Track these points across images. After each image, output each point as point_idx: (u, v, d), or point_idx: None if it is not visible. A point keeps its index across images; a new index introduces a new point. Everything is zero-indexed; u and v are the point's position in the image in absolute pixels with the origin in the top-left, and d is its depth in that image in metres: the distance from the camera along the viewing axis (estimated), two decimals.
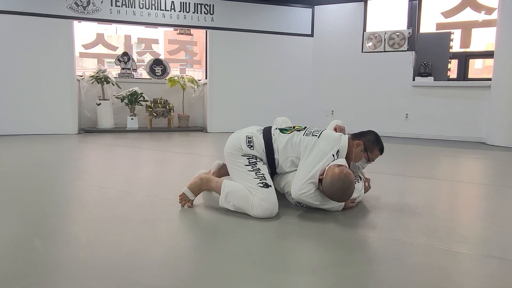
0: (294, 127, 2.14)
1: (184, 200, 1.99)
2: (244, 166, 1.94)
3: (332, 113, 6.53)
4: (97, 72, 5.87)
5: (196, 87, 6.54)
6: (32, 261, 1.34)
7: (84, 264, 1.32)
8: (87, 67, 8.00)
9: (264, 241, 1.58)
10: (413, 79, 5.87)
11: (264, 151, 2.00)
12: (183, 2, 5.95)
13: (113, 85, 5.98)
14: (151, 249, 1.46)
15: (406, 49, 5.87)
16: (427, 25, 6.00)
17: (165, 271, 1.28)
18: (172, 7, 5.91)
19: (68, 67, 5.47)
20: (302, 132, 2.04)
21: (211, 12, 6.09)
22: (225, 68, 6.23)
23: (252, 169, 1.92)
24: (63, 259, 1.36)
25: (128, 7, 5.69)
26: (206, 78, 6.54)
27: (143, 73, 7.25)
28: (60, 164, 3.34)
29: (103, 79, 5.83)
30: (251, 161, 1.95)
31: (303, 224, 1.79)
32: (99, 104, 5.88)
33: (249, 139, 1.99)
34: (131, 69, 6.49)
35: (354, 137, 2.09)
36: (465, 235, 1.68)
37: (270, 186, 1.88)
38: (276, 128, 2.10)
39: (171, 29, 6.88)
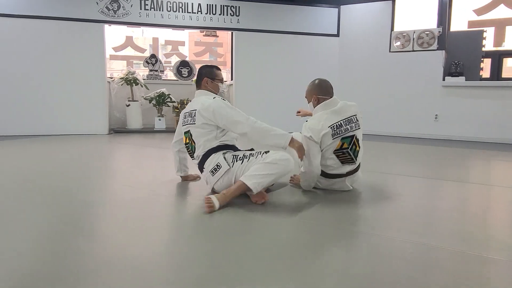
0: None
1: (211, 207, 1.97)
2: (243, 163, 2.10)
3: None
4: (126, 74, 6.02)
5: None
6: (76, 259, 1.39)
7: (123, 263, 1.37)
8: (114, 69, 8.22)
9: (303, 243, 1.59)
10: (443, 79, 5.71)
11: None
12: (210, 4, 6.02)
13: (142, 86, 6.13)
14: (185, 249, 1.49)
15: (436, 48, 5.73)
16: (458, 23, 5.83)
17: (201, 270, 1.30)
18: (199, 9, 5.99)
19: (99, 70, 5.65)
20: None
21: (237, 14, 6.13)
22: (251, 69, 6.26)
23: (248, 157, 2.11)
24: (104, 258, 1.41)
25: (156, 10, 5.81)
26: (231, 79, 6.59)
27: (168, 74, 7.38)
28: (94, 163, 3.45)
29: (132, 81, 5.98)
30: (240, 157, 2.13)
31: (332, 226, 1.78)
32: (128, 105, 6.03)
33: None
34: (159, 70, 6.62)
35: (198, 84, 2.40)
36: (505, 242, 1.63)
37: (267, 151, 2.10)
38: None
39: (197, 30, 6.98)
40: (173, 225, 1.79)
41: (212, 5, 6.03)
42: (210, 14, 6.04)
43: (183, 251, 1.48)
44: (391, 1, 6.09)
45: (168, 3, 5.85)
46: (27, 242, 1.55)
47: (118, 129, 6.02)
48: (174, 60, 7.19)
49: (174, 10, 5.89)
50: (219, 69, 2.45)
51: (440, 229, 1.79)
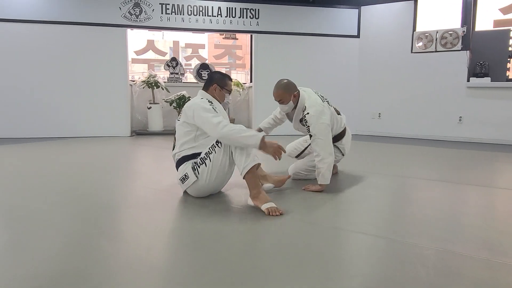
0: None
1: (275, 211, 2.00)
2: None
3: (379, 116, 6.36)
4: (148, 77, 6.14)
5: (241, 90, 6.64)
6: (100, 259, 1.44)
7: (144, 264, 1.40)
8: (135, 71, 8.39)
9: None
10: (468, 80, 5.57)
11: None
12: (230, 8, 6.07)
13: (163, 89, 6.23)
14: (205, 252, 1.52)
15: (460, 49, 5.59)
16: (484, 23, 5.67)
17: (221, 273, 1.32)
18: (219, 13, 6.05)
19: (122, 73, 5.78)
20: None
21: (257, 16, 6.16)
22: (270, 71, 6.26)
23: (208, 157, 2.18)
24: (127, 260, 1.45)
25: (177, 14, 5.90)
26: (251, 82, 6.62)
27: (188, 76, 7.47)
28: (116, 165, 3.54)
29: (153, 84, 6.09)
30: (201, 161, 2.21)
31: (351, 231, 1.77)
32: (149, 108, 6.14)
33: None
34: (179, 73, 6.72)
35: (206, 87, 2.40)
36: None
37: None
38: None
39: (216, 33, 7.04)
40: (195, 228, 1.82)
41: (232, 8, 6.08)
42: (229, 17, 6.09)
43: (203, 254, 1.50)
44: (413, 1, 5.99)
45: (189, 7, 5.93)
46: (52, 243, 1.60)
47: (140, 131, 6.14)
48: (194, 63, 7.27)
49: (195, 13, 5.97)
50: (231, 80, 2.49)
51: (463, 235, 1.75)
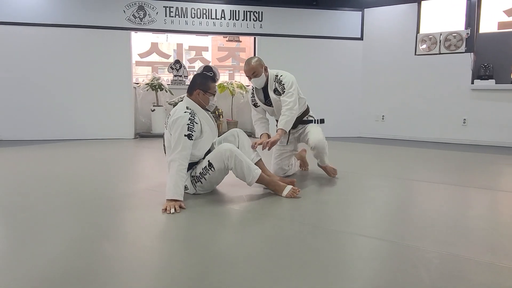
0: None
1: (294, 193, 2.36)
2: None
3: (383, 118, 6.34)
4: (151, 80, 6.17)
5: (244, 92, 6.65)
6: (103, 261, 1.44)
7: (147, 266, 1.41)
8: (139, 74, 8.43)
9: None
10: (472, 82, 5.55)
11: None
12: (233, 10, 6.09)
13: (166, 91, 6.25)
14: (208, 254, 1.52)
15: (464, 51, 5.57)
16: (488, 25, 5.65)
17: (225, 274, 1.32)
18: (222, 16, 6.07)
19: (126, 76, 5.81)
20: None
21: (260, 19, 6.17)
22: None
23: (203, 176, 2.35)
24: (129, 261, 1.45)
25: (181, 17, 5.93)
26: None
27: (191, 78, 7.49)
28: (120, 167, 3.55)
29: (157, 86, 6.11)
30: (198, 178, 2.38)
31: (354, 233, 1.76)
32: (153, 110, 6.17)
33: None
34: (183, 76, 6.74)
35: (189, 92, 2.39)
36: None
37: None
38: None
39: (220, 36, 7.06)
40: (197, 230, 1.83)
41: (235, 11, 6.10)
42: (233, 20, 6.11)
43: (206, 257, 1.50)
44: (416, 3, 5.98)
45: (192, 9, 5.96)
46: (56, 244, 1.61)
47: (143, 134, 6.16)
48: (198, 65, 7.28)
49: (198, 16, 5.99)
50: (214, 81, 2.47)
51: (466, 238, 1.74)
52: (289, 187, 2.37)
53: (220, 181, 2.46)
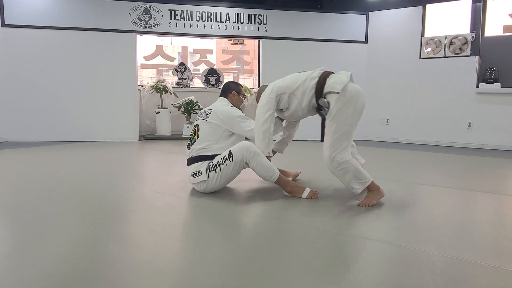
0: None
1: (314, 195, 2.44)
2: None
3: (387, 122, 6.33)
4: (156, 82, 6.20)
5: (248, 95, 6.66)
6: (108, 262, 1.45)
7: (152, 268, 1.41)
8: (144, 76, 8.47)
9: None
10: (477, 86, 5.53)
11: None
12: (238, 13, 6.12)
13: (171, 94, 6.28)
14: (212, 256, 1.52)
15: (469, 54, 5.55)
16: (493, 28, 5.63)
17: (230, 276, 1.33)
18: (227, 19, 6.10)
19: (131, 78, 5.85)
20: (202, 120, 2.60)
21: (265, 22, 6.19)
22: (278, 76, 6.18)
23: (219, 166, 2.43)
24: (134, 263, 1.46)
25: (186, 20, 5.96)
26: (258, 87, 6.64)
27: (196, 81, 7.52)
28: (125, 170, 3.57)
29: (162, 89, 6.14)
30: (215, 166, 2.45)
31: (358, 237, 1.76)
32: (158, 113, 6.19)
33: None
34: (187, 78, 6.77)
35: (225, 94, 2.76)
36: None
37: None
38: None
39: (224, 39, 7.09)
40: (202, 231, 1.83)
41: (240, 14, 6.13)
42: (238, 23, 6.14)
43: (211, 258, 1.51)
44: (421, 7, 5.98)
45: (197, 13, 5.99)
46: (61, 245, 1.62)
47: (148, 136, 6.19)
48: (202, 68, 7.31)
49: (203, 19, 6.03)
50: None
51: (472, 242, 1.73)
52: (308, 189, 2.44)
53: (230, 180, 2.52)
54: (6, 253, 1.56)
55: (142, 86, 6.43)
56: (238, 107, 2.72)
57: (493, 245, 1.69)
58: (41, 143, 5.36)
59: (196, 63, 7.64)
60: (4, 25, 5.36)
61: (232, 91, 2.76)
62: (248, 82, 8.58)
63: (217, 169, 2.41)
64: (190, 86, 6.84)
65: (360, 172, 2.25)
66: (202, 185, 2.49)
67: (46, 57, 5.55)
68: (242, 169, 2.46)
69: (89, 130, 5.75)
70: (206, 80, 6.83)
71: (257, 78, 7.11)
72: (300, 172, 3.09)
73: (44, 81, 5.57)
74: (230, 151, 2.40)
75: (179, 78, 6.73)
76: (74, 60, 5.64)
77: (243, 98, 2.82)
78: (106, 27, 5.68)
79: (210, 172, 2.43)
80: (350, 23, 6.38)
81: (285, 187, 2.47)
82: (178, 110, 6.28)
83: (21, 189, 2.67)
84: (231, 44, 8.04)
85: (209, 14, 6.03)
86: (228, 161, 2.39)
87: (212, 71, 6.87)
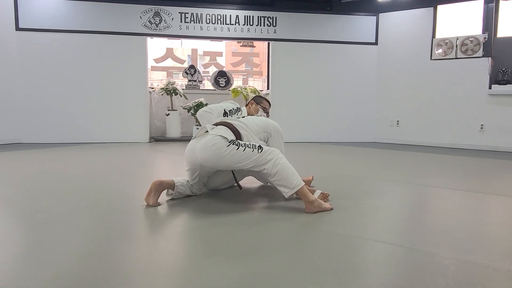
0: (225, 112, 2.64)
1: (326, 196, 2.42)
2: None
3: (398, 124, 6.28)
4: (166, 85, 6.25)
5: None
6: (118, 263, 1.47)
7: (161, 268, 1.42)
8: (154, 78, 8.55)
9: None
10: (490, 87, 5.46)
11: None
12: (247, 16, 6.14)
13: (181, 96, 6.33)
14: (220, 257, 1.53)
15: (481, 55, 5.49)
16: (506, 29, 5.56)
17: (239, 278, 1.33)
18: (237, 21, 6.12)
19: (141, 81, 5.91)
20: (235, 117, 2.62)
21: (274, 24, 6.21)
22: (288, 78, 6.29)
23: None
24: (144, 263, 1.47)
25: (196, 22, 6.01)
26: (268, 89, 6.65)
27: (206, 83, 7.56)
28: (136, 170, 3.60)
29: (172, 91, 6.19)
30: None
31: (369, 239, 1.75)
32: (168, 114, 6.24)
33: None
34: (197, 81, 6.81)
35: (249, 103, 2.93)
36: None
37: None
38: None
39: (234, 41, 7.12)
40: (211, 233, 1.84)
41: (250, 16, 6.15)
42: (247, 25, 6.16)
43: (219, 260, 1.51)
44: (432, 8, 5.93)
45: (207, 15, 6.03)
46: (72, 246, 1.64)
47: (158, 138, 6.24)
48: (212, 70, 7.36)
49: (213, 22, 6.06)
50: (268, 102, 2.97)
51: (485, 245, 1.71)
52: (318, 191, 2.39)
53: (229, 180, 2.53)
54: (20, 253, 1.58)
55: (153, 88, 6.49)
56: (253, 114, 2.84)
57: (506, 248, 1.67)
58: (53, 144, 5.44)
59: (205, 66, 7.69)
60: (18, 29, 5.46)
61: (251, 100, 2.93)
62: (257, 84, 8.59)
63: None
64: (200, 88, 6.88)
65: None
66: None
67: (59, 60, 5.64)
68: (246, 176, 2.44)
69: (100, 131, 5.82)
70: (216, 82, 6.86)
71: (266, 80, 7.12)
72: (313, 178, 2.90)
73: (56, 83, 5.66)
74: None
75: (189, 80, 6.78)
76: (86, 62, 5.72)
77: (259, 108, 2.88)
78: (117, 30, 5.75)
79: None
80: (360, 25, 6.35)
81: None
82: (188, 112, 6.32)
83: (33, 189, 2.71)
84: (241, 46, 8.07)
85: (219, 16, 6.07)
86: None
87: (221, 73, 6.90)
